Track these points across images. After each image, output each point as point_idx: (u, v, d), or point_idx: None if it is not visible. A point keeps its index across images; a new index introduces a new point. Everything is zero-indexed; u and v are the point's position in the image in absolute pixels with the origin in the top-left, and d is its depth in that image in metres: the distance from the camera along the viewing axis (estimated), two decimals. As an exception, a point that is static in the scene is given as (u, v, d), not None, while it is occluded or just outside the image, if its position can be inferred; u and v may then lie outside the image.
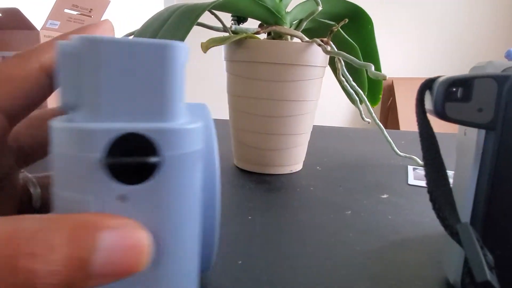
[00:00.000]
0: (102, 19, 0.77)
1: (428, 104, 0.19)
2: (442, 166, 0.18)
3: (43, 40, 0.64)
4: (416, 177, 0.42)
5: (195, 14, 0.33)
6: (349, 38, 0.45)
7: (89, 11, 0.72)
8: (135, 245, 0.11)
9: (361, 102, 0.46)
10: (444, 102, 0.18)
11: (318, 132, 0.67)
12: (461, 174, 0.20)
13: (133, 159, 0.11)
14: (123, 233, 0.10)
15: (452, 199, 0.17)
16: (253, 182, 0.38)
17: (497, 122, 0.17)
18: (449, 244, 0.21)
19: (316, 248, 0.25)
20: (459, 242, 0.15)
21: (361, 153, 0.54)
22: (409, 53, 2.01)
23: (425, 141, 0.18)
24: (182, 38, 0.32)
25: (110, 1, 0.74)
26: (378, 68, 0.48)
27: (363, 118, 0.49)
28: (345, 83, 0.44)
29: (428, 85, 0.19)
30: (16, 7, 0.58)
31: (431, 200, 0.17)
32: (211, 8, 0.38)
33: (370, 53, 0.49)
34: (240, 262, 0.23)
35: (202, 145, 0.12)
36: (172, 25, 0.34)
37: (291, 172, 0.42)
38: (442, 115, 0.18)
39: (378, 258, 0.24)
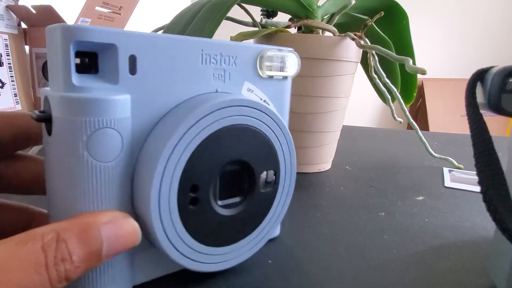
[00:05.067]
0: (131, 16, 0.77)
1: (480, 97, 0.18)
2: (498, 164, 0.16)
3: (74, 36, 0.65)
4: (453, 179, 0.39)
5: (225, 7, 0.32)
6: (381, 33, 0.43)
7: (119, 9, 0.73)
8: (127, 230, 0.15)
9: (393, 100, 0.44)
10: (500, 93, 0.16)
11: (347, 131, 0.65)
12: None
13: (41, 113, 0.16)
14: (117, 224, 0.15)
15: (509, 199, 0.15)
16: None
17: (562, 116, 0.16)
18: (499, 250, 0.19)
19: (350, 251, 0.24)
20: (520, 248, 0.13)
21: (392, 154, 0.51)
22: (439, 53, 1.94)
23: (477, 137, 0.17)
24: (211, 32, 0.31)
25: (139, -1, 0.74)
26: (413, 63, 0.46)
27: (394, 118, 0.47)
28: (377, 80, 0.42)
29: (480, 76, 0.18)
30: (49, 4, 0.59)
31: (485, 201, 0.15)
32: (240, 1, 0.37)
33: (405, 49, 0.47)
34: (270, 261, 0.22)
35: (98, 117, 0.15)
36: (202, 19, 0.33)
37: (320, 171, 0.41)
38: (497, 108, 0.16)
39: (417, 263, 0.22)
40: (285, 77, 0.23)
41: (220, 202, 0.19)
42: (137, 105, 0.16)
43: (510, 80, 0.16)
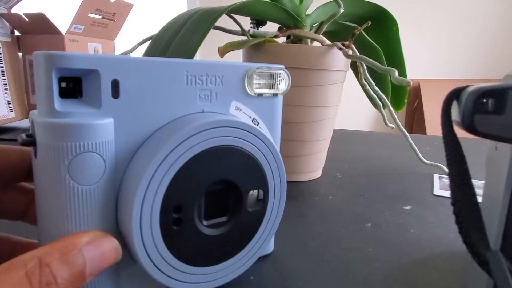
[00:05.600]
0: (124, 23, 0.78)
1: (456, 115, 0.18)
2: (471, 185, 0.16)
3: (67, 44, 0.66)
4: (442, 187, 0.40)
5: (212, 17, 0.32)
6: (372, 41, 0.43)
7: (113, 15, 0.73)
8: (108, 248, 0.15)
9: (384, 107, 0.44)
10: (474, 114, 0.16)
11: (341, 136, 0.66)
12: (491, 194, 0.18)
13: (27, 137, 0.16)
14: (97, 243, 0.15)
15: (482, 223, 0.15)
16: (270, 189, 0.37)
17: (534, 138, 0.16)
18: (476, 267, 0.19)
19: (334, 264, 0.24)
20: (488, 272, 0.13)
21: (384, 160, 0.52)
22: (436, 53, 1.94)
23: (451, 157, 0.17)
24: (199, 42, 0.31)
25: (133, 5, 0.75)
26: (403, 72, 0.47)
27: (386, 124, 0.47)
28: (368, 87, 0.43)
29: (455, 94, 0.18)
30: (42, 12, 0.59)
31: (457, 222, 0.15)
32: (228, 11, 0.38)
33: (395, 57, 0.47)
34: (251, 278, 0.22)
35: (83, 141, 0.15)
36: (190, 29, 0.33)
37: (310, 179, 0.41)
38: (470, 128, 0.17)
39: (399, 277, 0.22)
40: (275, 95, 0.23)
41: (205, 222, 0.19)
42: (120, 128, 0.17)
43: (483, 100, 0.16)
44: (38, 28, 0.63)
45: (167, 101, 0.18)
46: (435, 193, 0.38)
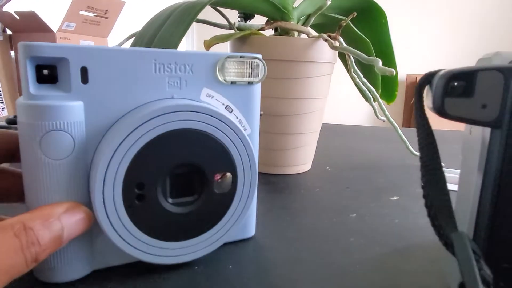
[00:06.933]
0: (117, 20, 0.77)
1: (428, 100, 0.18)
2: (440, 169, 0.16)
3: (59, 41, 0.66)
4: (431, 178, 0.39)
5: (195, 11, 0.32)
6: (360, 33, 0.43)
7: (105, 12, 0.73)
8: (81, 216, 0.18)
9: (374, 100, 0.44)
10: (444, 97, 0.16)
11: (332, 130, 0.65)
12: (466, 178, 0.18)
13: (9, 117, 0.19)
14: (72, 212, 0.17)
15: (450, 205, 0.15)
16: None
17: (503, 120, 0.16)
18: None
19: (313, 255, 0.24)
20: (453, 253, 0.13)
21: (375, 153, 0.51)
22: (435, 48, 1.94)
23: (422, 141, 0.17)
24: (181, 35, 0.31)
25: (125, 2, 0.74)
26: (392, 63, 0.46)
27: (377, 117, 0.47)
28: (357, 80, 0.42)
29: (428, 79, 0.18)
30: (33, 10, 0.59)
31: (427, 206, 0.15)
32: (214, 4, 0.37)
33: (384, 48, 0.46)
34: (230, 267, 0.22)
35: (49, 121, 0.17)
36: (172, 23, 0.33)
37: (299, 172, 0.41)
38: (441, 112, 0.16)
39: (378, 267, 0.22)
40: (250, 83, 0.23)
41: (171, 200, 0.20)
42: (91, 110, 0.18)
43: (454, 83, 0.16)
44: (30, 26, 0.63)
45: (136, 87, 0.19)
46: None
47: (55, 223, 0.17)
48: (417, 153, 0.46)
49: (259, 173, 0.40)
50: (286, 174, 0.40)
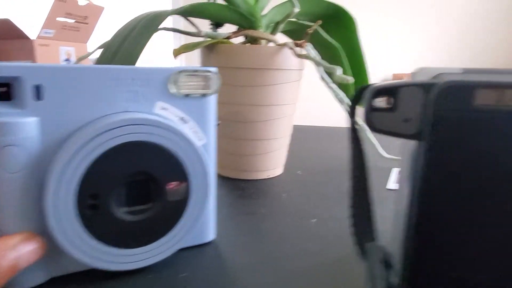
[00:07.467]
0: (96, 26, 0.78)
1: (360, 113, 0.18)
2: (366, 180, 0.17)
3: (38, 48, 0.66)
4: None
5: (158, 21, 0.33)
6: (329, 39, 0.44)
7: (84, 18, 0.73)
8: (35, 246, 0.19)
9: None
10: (371, 111, 0.17)
11: (307, 132, 0.66)
12: (400, 191, 0.19)
13: None
14: (26, 242, 0.19)
15: (371, 216, 0.16)
16: (227, 188, 0.38)
17: (423, 133, 0.16)
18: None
19: (267, 260, 0.24)
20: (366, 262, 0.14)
21: (348, 156, 0.52)
22: (420, 48, 1.96)
23: (352, 152, 0.18)
24: (142, 46, 0.32)
25: (104, 8, 0.75)
26: (361, 68, 0.47)
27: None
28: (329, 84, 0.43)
29: (361, 93, 0.19)
30: (8, 18, 0.59)
31: (350, 215, 0.16)
32: (183, 14, 0.38)
33: (354, 54, 0.47)
34: (185, 274, 0.23)
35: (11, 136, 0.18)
36: (137, 33, 0.34)
37: (269, 177, 0.42)
38: (369, 125, 0.17)
39: (326, 269, 0.23)
40: (204, 95, 0.24)
41: (125, 209, 0.21)
42: (47, 125, 0.19)
43: (379, 98, 0.17)
44: (5, 34, 0.63)
45: (92, 102, 0.20)
46: (388, 187, 0.39)
47: (10, 253, 0.18)
48: (386, 155, 0.47)
49: (230, 178, 0.41)
50: (256, 179, 0.41)
